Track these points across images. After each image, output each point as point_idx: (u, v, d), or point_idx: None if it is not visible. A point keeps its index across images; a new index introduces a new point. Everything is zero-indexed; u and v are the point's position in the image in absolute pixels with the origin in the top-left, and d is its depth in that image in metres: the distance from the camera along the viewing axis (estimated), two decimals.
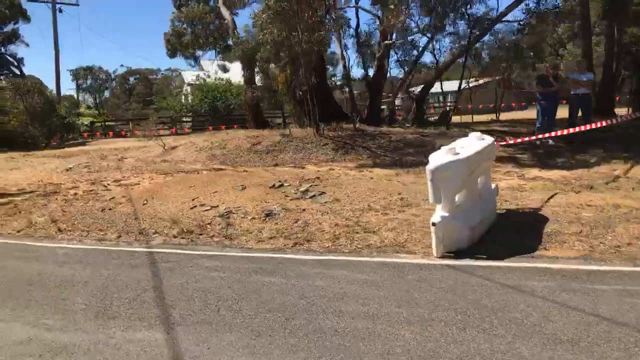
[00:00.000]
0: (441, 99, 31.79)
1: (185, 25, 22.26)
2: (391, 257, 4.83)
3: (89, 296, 3.85)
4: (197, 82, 25.88)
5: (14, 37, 42.18)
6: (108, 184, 9.23)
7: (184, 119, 25.55)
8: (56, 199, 8.32)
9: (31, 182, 10.03)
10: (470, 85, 24.20)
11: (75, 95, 36.11)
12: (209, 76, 25.48)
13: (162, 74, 57.33)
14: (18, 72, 41.31)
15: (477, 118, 19.15)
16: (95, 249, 5.68)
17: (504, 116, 19.95)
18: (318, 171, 9.28)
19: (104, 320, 3.33)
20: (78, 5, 32.70)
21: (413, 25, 13.89)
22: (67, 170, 11.41)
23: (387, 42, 13.58)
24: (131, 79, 57.77)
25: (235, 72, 25.18)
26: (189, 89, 27.69)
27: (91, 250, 5.64)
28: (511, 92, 26.14)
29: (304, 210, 6.61)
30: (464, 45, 13.53)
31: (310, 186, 7.49)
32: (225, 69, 25.17)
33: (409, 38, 14.39)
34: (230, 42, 23.39)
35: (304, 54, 11.45)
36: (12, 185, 9.77)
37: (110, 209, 7.39)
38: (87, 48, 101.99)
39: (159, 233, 6.21)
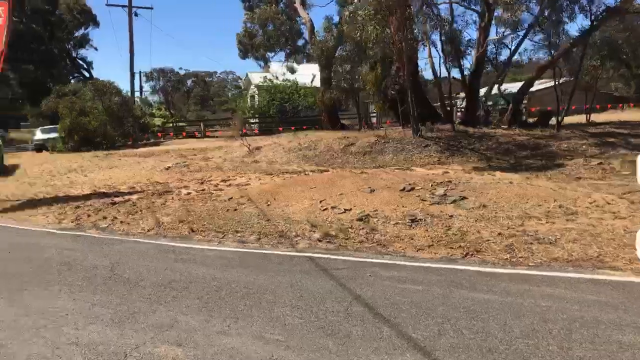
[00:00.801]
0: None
1: (257, 27, 22.27)
2: (595, 274, 4.22)
3: (291, 307, 3.49)
4: (265, 84, 25.87)
5: (84, 41, 44.38)
6: (217, 184, 9.08)
7: (252, 121, 25.64)
8: (172, 198, 8.23)
9: (137, 181, 10.07)
10: (541, 86, 22.81)
11: (140, 96, 37.24)
12: (276, 77, 25.40)
13: (218, 76, 58.55)
14: (87, 75, 43.36)
15: (567, 120, 17.86)
16: (244, 252, 5.39)
17: (594, 118, 18.54)
18: (433, 174, 8.74)
19: (338, 338, 2.95)
20: (152, 8, 33.60)
21: (524, 18, 12.95)
22: (166, 169, 11.46)
23: (491, 39, 12.85)
24: (189, 81, 59.37)
25: (302, 74, 24.94)
26: (256, 90, 27.76)
27: (240, 252, 5.35)
28: (591, 92, 24.46)
29: (451, 216, 6.09)
30: (579, 39, 12.50)
31: (446, 190, 6.96)
32: (292, 71, 25.01)
33: (517, 34, 13.42)
34: (300, 42, 23.30)
35: (406, 51, 10.95)
36: (120, 184, 9.83)
37: (235, 210, 7.16)
38: (151, 50, 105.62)
39: (300, 236, 5.87)
